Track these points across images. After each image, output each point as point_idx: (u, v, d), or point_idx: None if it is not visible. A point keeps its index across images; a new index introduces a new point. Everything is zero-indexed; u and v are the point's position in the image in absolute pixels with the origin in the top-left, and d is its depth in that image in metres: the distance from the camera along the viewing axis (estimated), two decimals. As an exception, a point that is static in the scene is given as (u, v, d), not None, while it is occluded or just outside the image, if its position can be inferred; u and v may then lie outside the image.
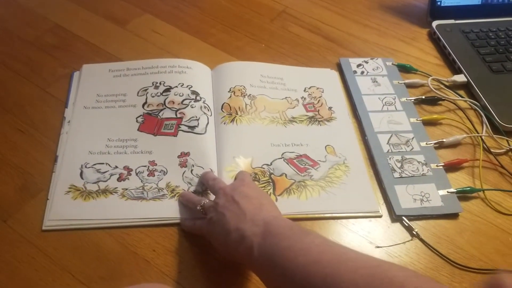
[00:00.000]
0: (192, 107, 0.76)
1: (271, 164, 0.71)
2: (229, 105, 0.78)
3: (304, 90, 0.83)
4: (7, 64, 0.83)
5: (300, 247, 0.47)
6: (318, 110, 0.80)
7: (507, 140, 0.77)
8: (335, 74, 0.87)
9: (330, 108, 0.81)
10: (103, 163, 0.69)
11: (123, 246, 0.61)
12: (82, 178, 0.67)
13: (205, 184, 0.66)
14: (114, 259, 0.60)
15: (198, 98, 0.78)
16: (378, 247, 0.64)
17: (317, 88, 0.84)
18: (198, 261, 0.61)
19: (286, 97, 0.81)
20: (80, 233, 0.62)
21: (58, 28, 0.91)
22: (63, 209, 0.64)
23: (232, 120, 0.75)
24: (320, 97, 0.82)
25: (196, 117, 0.75)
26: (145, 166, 0.69)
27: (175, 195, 0.66)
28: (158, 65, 0.83)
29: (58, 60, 0.85)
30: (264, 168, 0.71)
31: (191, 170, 0.69)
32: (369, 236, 0.65)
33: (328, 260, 0.44)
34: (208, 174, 0.68)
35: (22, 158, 0.70)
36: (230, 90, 0.80)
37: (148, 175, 0.68)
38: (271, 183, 0.69)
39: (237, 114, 0.76)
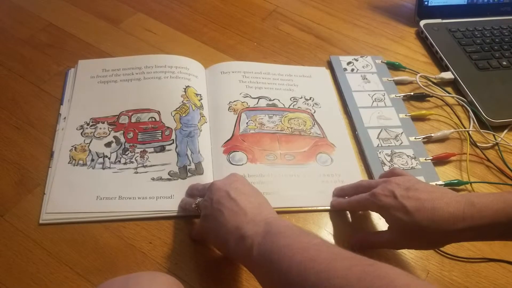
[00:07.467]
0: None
1: None
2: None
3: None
4: (0, 62, 0.84)
5: (298, 246, 0.47)
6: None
7: (493, 135, 0.79)
8: (326, 72, 0.89)
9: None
10: None
11: (120, 238, 0.62)
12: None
13: (194, 191, 0.65)
14: (111, 252, 0.61)
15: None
16: (369, 238, 0.66)
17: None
18: (195, 253, 0.62)
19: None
20: (77, 226, 0.63)
21: (51, 27, 0.91)
22: (60, 202, 0.64)
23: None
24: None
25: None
26: None
27: None
28: (154, 65, 0.82)
29: (52, 58, 0.85)
30: None
31: None
32: (361, 226, 0.67)
33: (324, 258, 0.45)
34: (194, 184, 0.67)
35: (18, 154, 0.70)
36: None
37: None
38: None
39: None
